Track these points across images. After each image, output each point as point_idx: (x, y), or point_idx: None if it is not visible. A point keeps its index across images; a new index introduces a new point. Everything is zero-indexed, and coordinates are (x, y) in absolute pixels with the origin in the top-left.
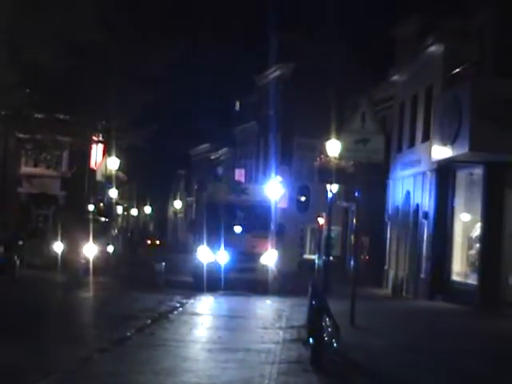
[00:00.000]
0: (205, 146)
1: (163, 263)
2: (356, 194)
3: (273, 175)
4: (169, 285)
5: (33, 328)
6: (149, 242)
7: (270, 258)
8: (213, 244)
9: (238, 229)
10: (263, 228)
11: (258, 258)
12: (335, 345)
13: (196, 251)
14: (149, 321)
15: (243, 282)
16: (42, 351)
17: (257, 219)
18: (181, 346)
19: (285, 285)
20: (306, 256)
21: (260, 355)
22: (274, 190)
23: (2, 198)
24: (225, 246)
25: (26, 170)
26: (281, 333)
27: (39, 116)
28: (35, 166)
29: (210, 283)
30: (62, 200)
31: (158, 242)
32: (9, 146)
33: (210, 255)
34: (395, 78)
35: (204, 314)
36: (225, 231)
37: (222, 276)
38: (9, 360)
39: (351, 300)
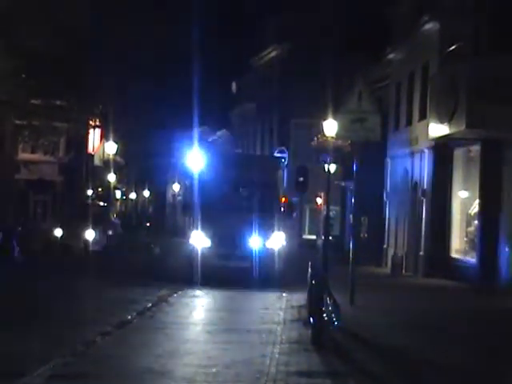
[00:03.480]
0: (202, 129)
1: (158, 249)
2: (354, 174)
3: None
4: (161, 275)
5: (34, 313)
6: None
7: (275, 242)
8: (208, 228)
9: (237, 209)
10: (268, 207)
11: (262, 243)
12: (336, 324)
13: (189, 238)
14: (149, 304)
15: (244, 272)
16: (43, 336)
17: (261, 197)
18: (181, 328)
19: (287, 271)
20: (306, 236)
21: (261, 336)
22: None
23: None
24: (222, 229)
25: (23, 156)
26: (281, 313)
27: (36, 102)
28: (32, 152)
29: (205, 275)
30: (60, 185)
31: (148, 224)
32: (6, 133)
33: (205, 241)
34: (391, 56)
35: (203, 297)
36: (222, 212)
37: (219, 266)
38: (10, 346)
39: (351, 279)
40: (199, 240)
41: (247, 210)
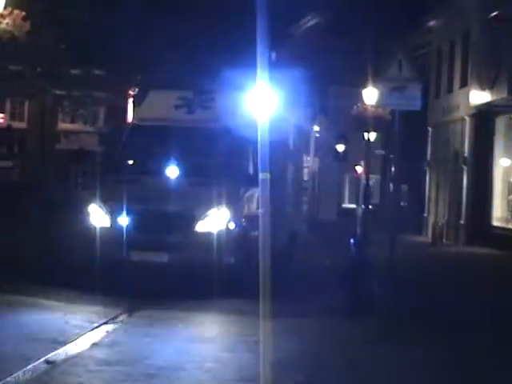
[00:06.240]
0: None
1: None
2: (394, 142)
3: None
4: None
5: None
6: None
7: (217, 222)
8: (114, 200)
9: (169, 172)
10: (212, 172)
11: (194, 223)
12: (376, 292)
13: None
14: None
15: (160, 272)
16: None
17: (212, 155)
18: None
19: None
20: (345, 205)
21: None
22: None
23: (41, 155)
24: (137, 202)
25: (63, 126)
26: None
27: (75, 72)
28: (72, 122)
29: (105, 277)
30: (100, 156)
31: None
32: (46, 103)
33: (104, 220)
34: (432, 23)
35: None
36: (145, 176)
37: (122, 262)
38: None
39: (390, 248)
40: (98, 219)
41: (180, 177)
